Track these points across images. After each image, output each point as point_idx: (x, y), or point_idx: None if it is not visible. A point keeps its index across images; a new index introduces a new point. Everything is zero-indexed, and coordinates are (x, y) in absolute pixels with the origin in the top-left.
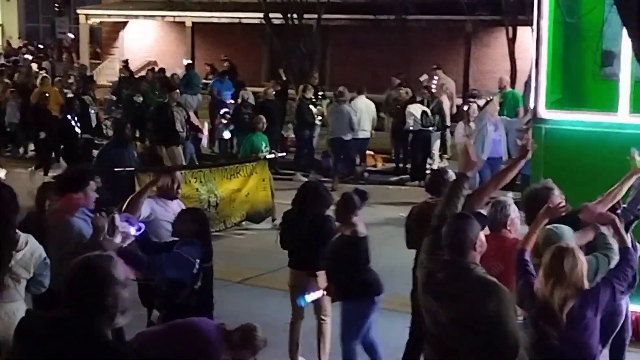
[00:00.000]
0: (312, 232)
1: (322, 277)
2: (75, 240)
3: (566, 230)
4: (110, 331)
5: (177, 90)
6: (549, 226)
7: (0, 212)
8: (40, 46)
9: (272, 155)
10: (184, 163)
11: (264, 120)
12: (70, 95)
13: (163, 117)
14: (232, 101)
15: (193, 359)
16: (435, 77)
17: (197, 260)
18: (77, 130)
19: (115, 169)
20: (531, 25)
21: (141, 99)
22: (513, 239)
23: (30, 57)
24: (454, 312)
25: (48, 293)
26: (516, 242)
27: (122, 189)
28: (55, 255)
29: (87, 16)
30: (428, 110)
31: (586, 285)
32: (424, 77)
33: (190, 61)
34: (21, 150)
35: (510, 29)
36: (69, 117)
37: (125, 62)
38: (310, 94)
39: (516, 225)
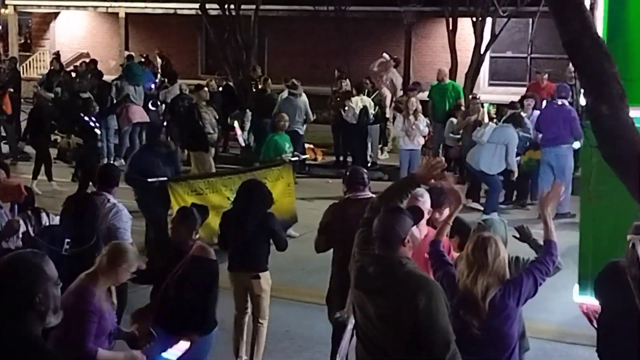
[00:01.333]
0: (257, 232)
1: (265, 278)
2: None
3: (496, 222)
4: (40, 330)
5: (206, 89)
6: (481, 219)
7: None
8: None
9: (297, 158)
10: (214, 169)
11: (286, 118)
12: None
13: (191, 119)
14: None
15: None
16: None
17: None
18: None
19: (148, 180)
20: (471, 17)
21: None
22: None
23: None
24: (382, 308)
25: None
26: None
27: (154, 197)
28: None
29: (15, 7)
30: (369, 105)
31: (507, 275)
32: (379, 62)
33: (131, 52)
34: None
35: (450, 20)
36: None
37: (56, 54)
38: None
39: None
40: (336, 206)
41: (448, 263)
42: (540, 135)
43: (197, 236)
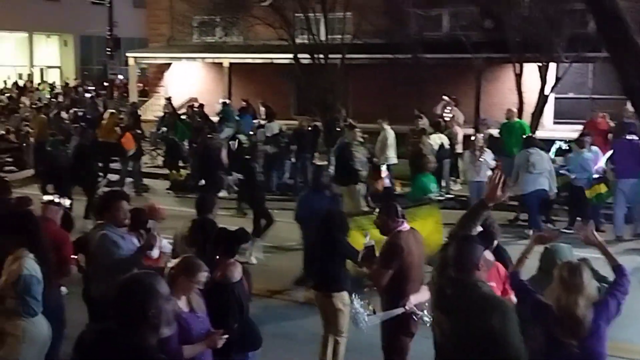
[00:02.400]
0: (333, 256)
1: (339, 297)
2: (110, 251)
3: (565, 247)
4: (155, 340)
5: (357, 129)
6: (547, 245)
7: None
8: (92, 87)
9: (443, 197)
10: (363, 203)
11: (433, 160)
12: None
13: (343, 156)
14: (252, 132)
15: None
16: (448, 108)
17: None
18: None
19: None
20: (536, 62)
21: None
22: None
23: (89, 95)
24: (460, 326)
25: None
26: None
27: None
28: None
29: (135, 59)
30: (445, 143)
31: (597, 297)
32: (441, 105)
33: (227, 100)
34: None
35: (517, 65)
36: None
37: (169, 99)
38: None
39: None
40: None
41: (533, 290)
42: (601, 168)
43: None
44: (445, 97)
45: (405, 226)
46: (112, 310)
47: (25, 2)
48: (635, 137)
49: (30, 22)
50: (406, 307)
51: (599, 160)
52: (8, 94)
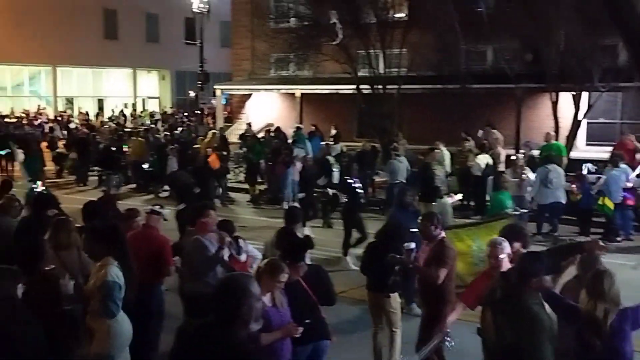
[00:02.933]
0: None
1: (394, 297)
2: (203, 253)
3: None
4: (245, 334)
5: (437, 151)
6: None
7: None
8: (185, 114)
9: (517, 212)
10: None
11: (509, 179)
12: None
13: (424, 175)
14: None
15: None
16: (493, 130)
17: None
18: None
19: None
20: (570, 91)
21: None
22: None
23: (185, 120)
24: (501, 325)
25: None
26: None
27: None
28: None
29: (222, 90)
30: (490, 162)
31: (621, 302)
32: (481, 133)
33: (299, 125)
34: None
35: (553, 94)
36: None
37: (249, 124)
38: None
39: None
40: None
41: (564, 297)
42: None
43: None
44: (480, 131)
45: (443, 234)
46: (212, 305)
47: (130, 43)
48: None
49: (134, 60)
50: (445, 337)
51: (629, 175)
52: (116, 121)
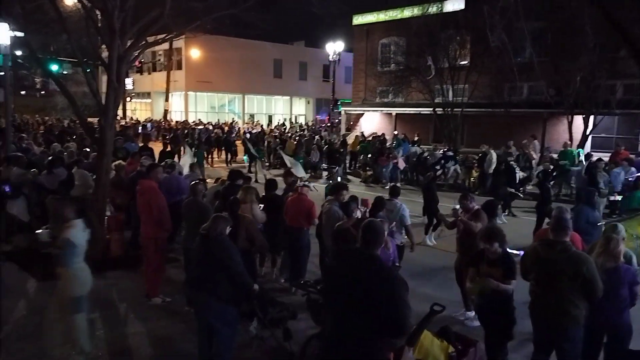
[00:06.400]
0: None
1: None
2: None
3: (619, 225)
4: (377, 254)
5: (603, 161)
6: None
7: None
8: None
9: None
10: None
11: None
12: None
13: (591, 178)
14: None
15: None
16: (535, 141)
17: None
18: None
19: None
20: (581, 114)
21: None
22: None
23: (321, 130)
24: (554, 273)
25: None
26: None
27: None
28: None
29: (345, 111)
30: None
31: (622, 259)
32: (525, 141)
33: (396, 132)
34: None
35: (569, 117)
36: None
37: (362, 133)
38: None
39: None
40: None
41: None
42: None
43: None
44: (528, 138)
45: (477, 206)
46: (360, 239)
47: (289, 80)
48: None
49: (291, 91)
50: None
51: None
52: (278, 130)
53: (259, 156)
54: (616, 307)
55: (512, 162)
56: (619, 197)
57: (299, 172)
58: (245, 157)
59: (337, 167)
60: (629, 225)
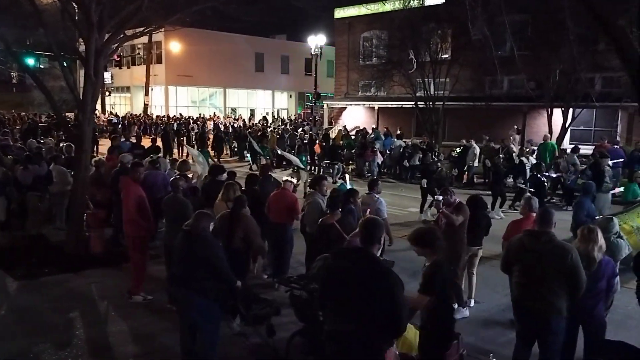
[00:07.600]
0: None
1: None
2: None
3: (615, 220)
4: (377, 252)
5: (608, 159)
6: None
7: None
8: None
9: None
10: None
11: None
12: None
13: (596, 170)
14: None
15: None
16: (517, 134)
17: None
18: None
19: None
20: (560, 107)
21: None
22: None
23: (304, 123)
24: (541, 263)
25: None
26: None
27: None
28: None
29: (327, 104)
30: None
31: (604, 248)
32: (512, 131)
33: (375, 127)
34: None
35: (549, 110)
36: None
37: (344, 127)
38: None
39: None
40: None
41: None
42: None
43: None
44: (511, 131)
45: (458, 199)
46: (361, 233)
47: (271, 74)
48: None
49: (273, 85)
50: None
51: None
52: (261, 123)
53: (263, 153)
54: (592, 299)
55: (522, 158)
56: (621, 189)
57: (302, 174)
58: (248, 155)
59: (338, 163)
60: (628, 218)
